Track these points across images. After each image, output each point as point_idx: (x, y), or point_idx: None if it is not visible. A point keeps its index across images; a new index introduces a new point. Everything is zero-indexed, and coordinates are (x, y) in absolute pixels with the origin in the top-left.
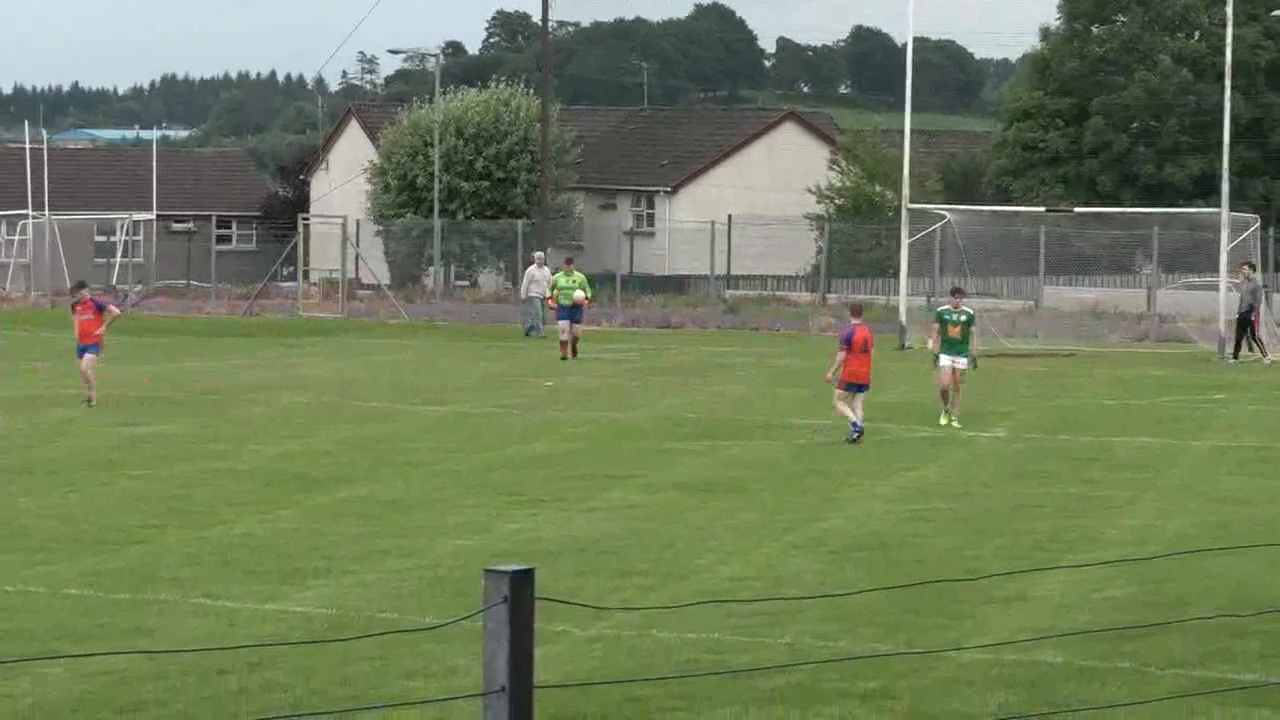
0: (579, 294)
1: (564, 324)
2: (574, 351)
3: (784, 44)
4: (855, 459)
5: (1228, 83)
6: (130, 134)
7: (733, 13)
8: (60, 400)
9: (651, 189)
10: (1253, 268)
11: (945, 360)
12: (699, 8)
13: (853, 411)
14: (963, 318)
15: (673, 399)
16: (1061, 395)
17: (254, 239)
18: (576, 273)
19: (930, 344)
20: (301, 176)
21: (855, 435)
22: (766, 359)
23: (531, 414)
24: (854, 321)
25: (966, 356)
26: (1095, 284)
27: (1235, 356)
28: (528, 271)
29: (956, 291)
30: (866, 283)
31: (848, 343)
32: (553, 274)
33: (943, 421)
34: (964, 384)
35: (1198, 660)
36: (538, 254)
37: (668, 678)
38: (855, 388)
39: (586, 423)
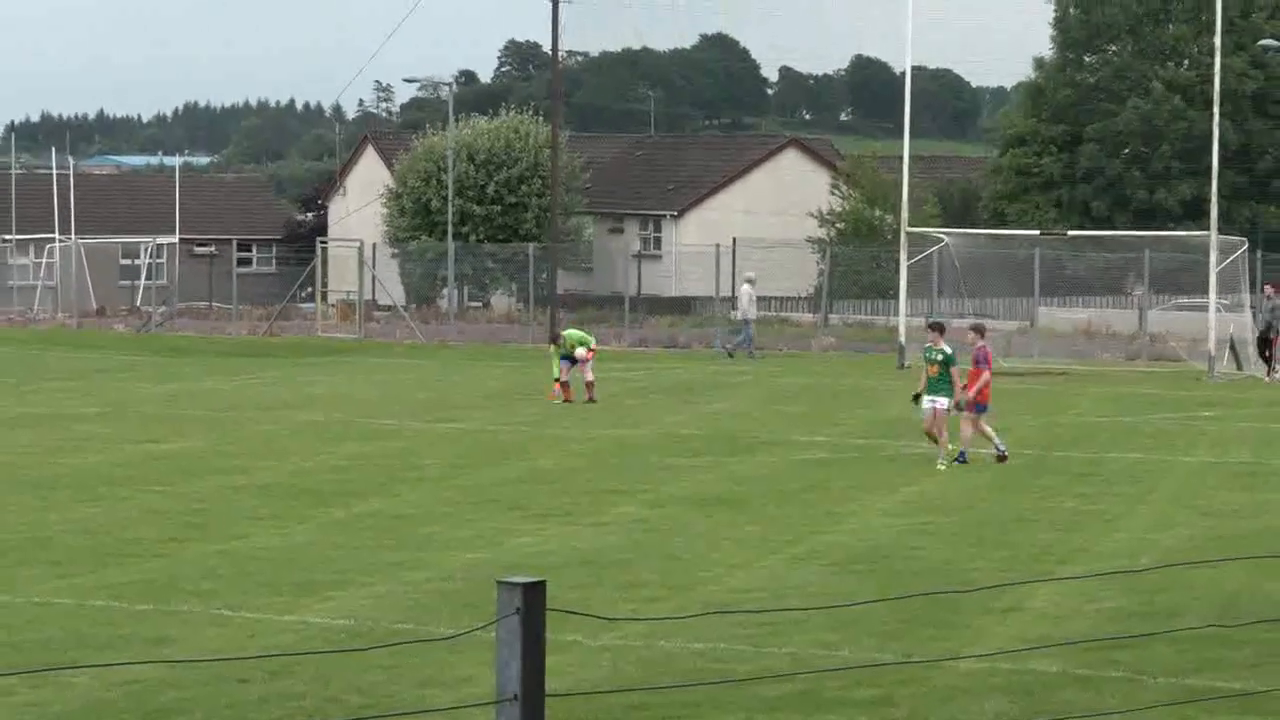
0: (581, 351)
1: (564, 364)
2: (590, 395)
3: (786, 73)
4: (855, 474)
5: (1216, 110)
6: (154, 160)
7: (736, 42)
8: (81, 418)
9: (658, 213)
10: (1276, 288)
11: (926, 402)
12: (704, 37)
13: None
14: (938, 356)
15: (677, 416)
16: (1056, 413)
17: (274, 261)
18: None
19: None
20: (320, 202)
21: (964, 459)
22: (770, 378)
23: (539, 430)
24: (980, 342)
25: (947, 396)
26: (1088, 305)
27: (1270, 374)
28: (745, 291)
29: (934, 326)
30: (866, 304)
31: (988, 362)
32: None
33: (940, 466)
34: (947, 426)
35: (1190, 669)
36: (750, 273)
37: (674, 686)
38: (983, 408)
39: (593, 439)
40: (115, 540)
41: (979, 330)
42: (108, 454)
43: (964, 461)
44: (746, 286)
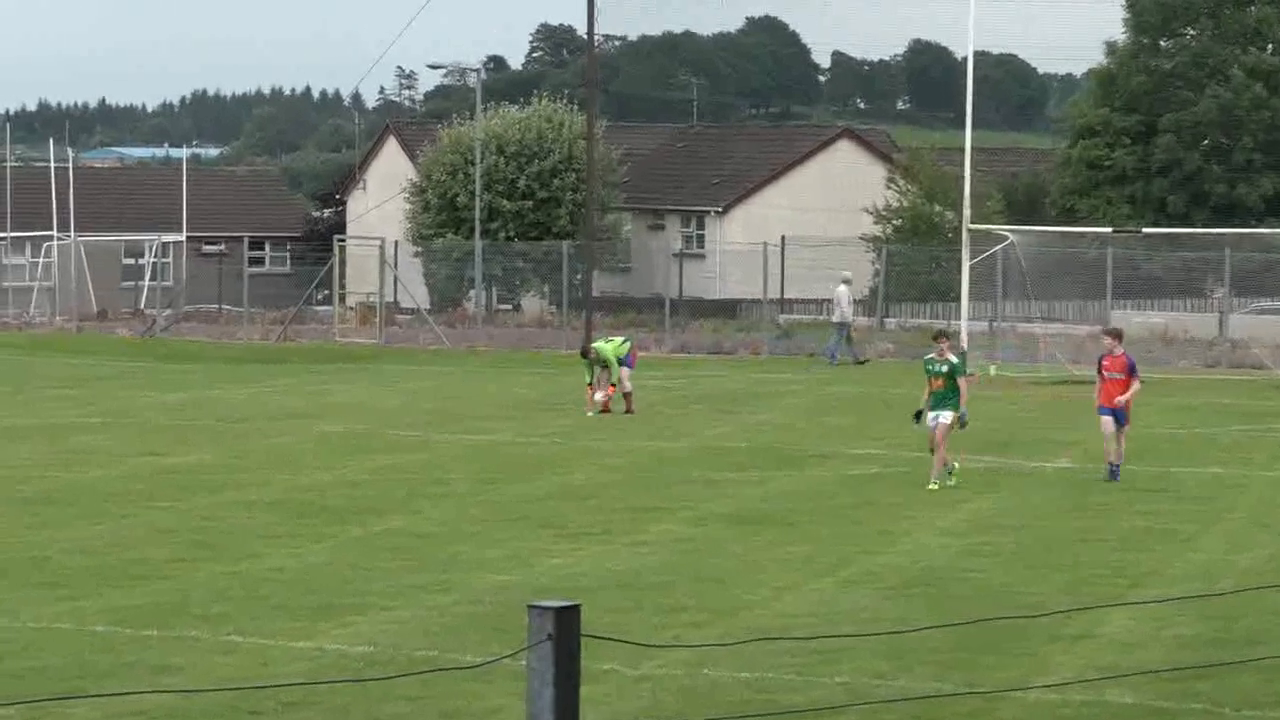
0: (615, 372)
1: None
2: (629, 406)
3: (839, 58)
4: (910, 491)
5: None
6: (159, 152)
7: (785, 26)
8: (84, 428)
9: (701, 209)
10: None
11: (930, 419)
12: (750, 21)
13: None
14: (944, 368)
15: (720, 427)
16: (1127, 424)
17: (288, 261)
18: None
19: (923, 399)
20: (338, 196)
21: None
22: (819, 386)
23: (572, 443)
24: (1120, 347)
25: (952, 410)
26: (1164, 308)
27: None
28: (842, 292)
29: (940, 336)
30: (926, 307)
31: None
32: (605, 343)
33: (931, 486)
34: (949, 442)
35: (1273, 700)
36: (846, 273)
37: (719, 718)
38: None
39: (630, 452)
40: (119, 560)
41: (1118, 335)
42: (111, 468)
43: (1116, 478)
44: (843, 287)
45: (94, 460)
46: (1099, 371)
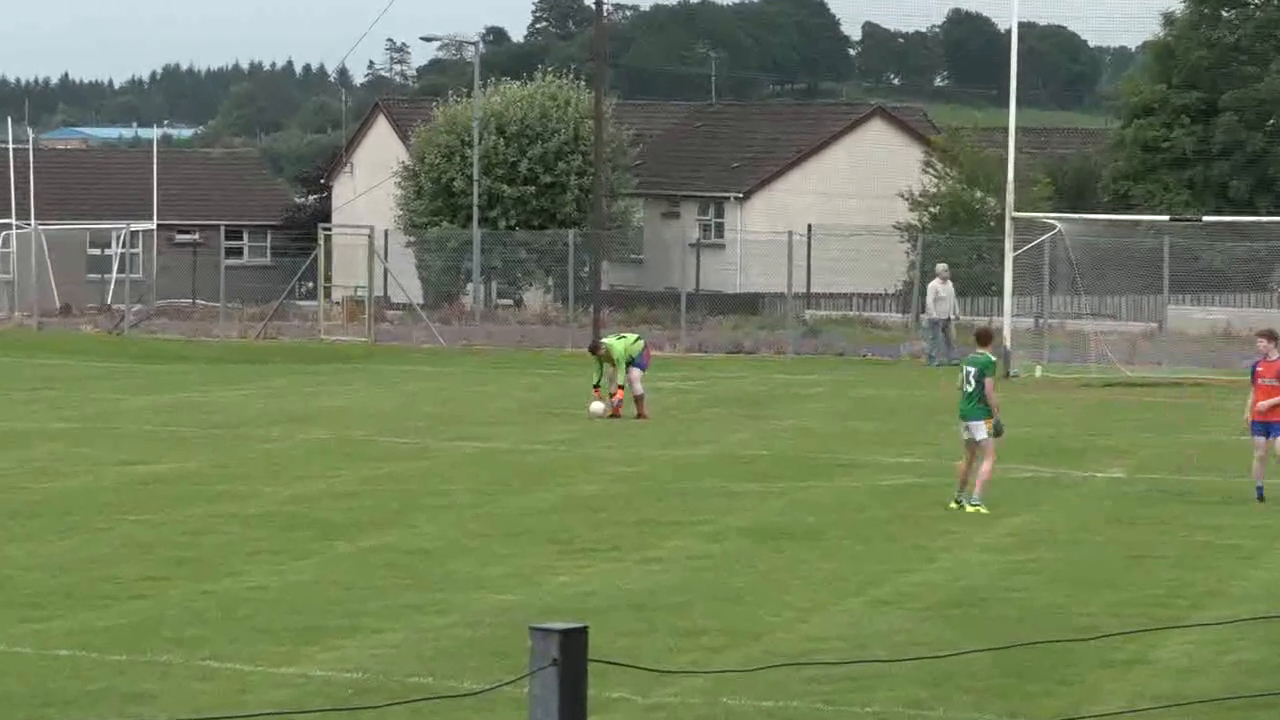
0: (631, 373)
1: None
2: (641, 410)
3: (871, 30)
4: (948, 503)
5: None
6: (127, 133)
7: None
8: (55, 434)
9: (720, 195)
10: None
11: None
12: None
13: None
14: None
15: (740, 434)
16: (1185, 431)
17: (268, 252)
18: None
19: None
20: (323, 181)
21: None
22: (849, 389)
23: (579, 451)
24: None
25: (985, 418)
26: (1226, 303)
27: None
28: (931, 286)
29: (987, 336)
30: (966, 302)
31: None
32: (616, 340)
33: (981, 507)
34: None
35: None
36: (942, 266)
37: None
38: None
39: (642, 461)
40: (88, 578)
41: (1274, 337)
42: (81, 477)
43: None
44: (936, 281)
45: (67, 469)
46: (1253, 380)
